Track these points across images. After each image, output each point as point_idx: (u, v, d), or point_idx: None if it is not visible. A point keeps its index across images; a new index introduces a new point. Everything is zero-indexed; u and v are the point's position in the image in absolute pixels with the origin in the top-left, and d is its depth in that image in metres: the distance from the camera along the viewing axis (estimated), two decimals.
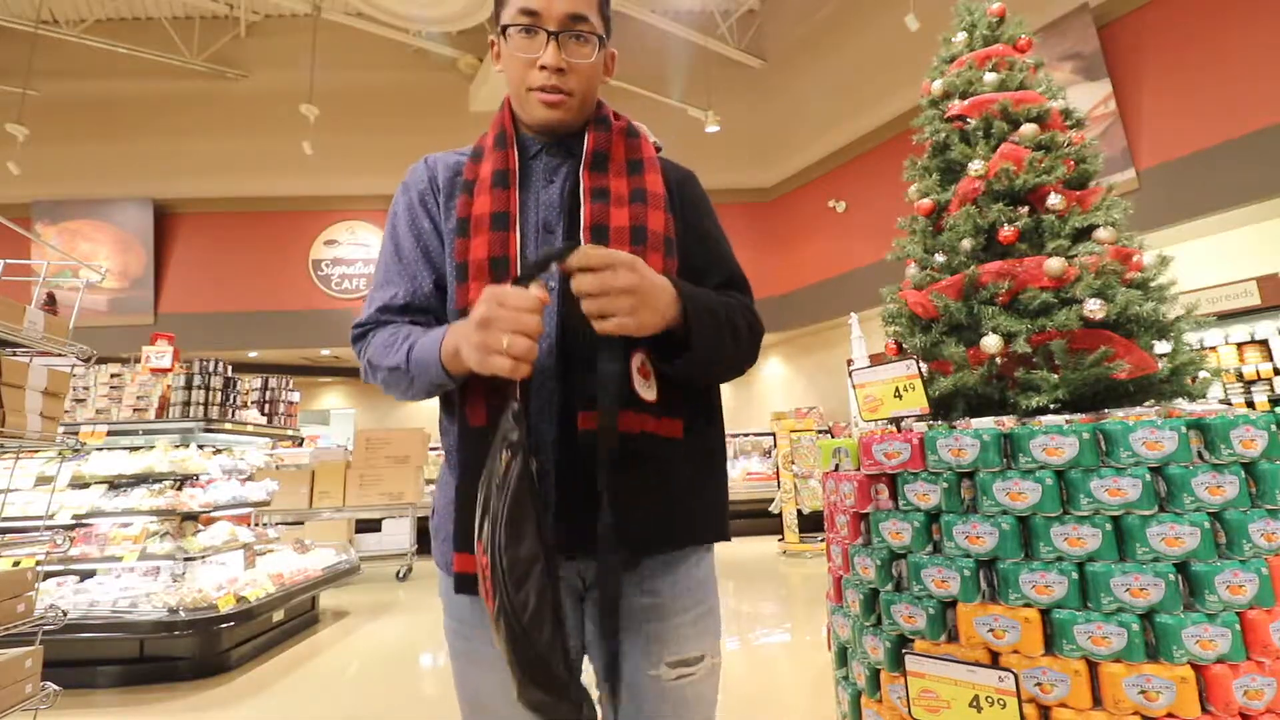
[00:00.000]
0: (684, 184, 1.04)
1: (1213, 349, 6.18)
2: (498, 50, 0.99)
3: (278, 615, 3.91)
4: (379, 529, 6.67)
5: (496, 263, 0.90)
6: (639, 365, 0.83)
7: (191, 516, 3.76)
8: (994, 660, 1.49)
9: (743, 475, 8.33)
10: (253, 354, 10.41)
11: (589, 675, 1.00)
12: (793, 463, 6.88)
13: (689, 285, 0.87)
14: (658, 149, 1.06)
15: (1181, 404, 1.79)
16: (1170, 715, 1.33)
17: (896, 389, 1.78)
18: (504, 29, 0.94)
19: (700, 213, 1.04)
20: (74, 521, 3.49)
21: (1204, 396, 1.85)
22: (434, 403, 0.99)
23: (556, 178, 0.97)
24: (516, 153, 0.97)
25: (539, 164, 0.98)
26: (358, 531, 6.71)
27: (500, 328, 0.73)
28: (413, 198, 1.01)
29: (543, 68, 0.91)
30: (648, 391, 0.83)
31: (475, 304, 0.78)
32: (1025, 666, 1.43)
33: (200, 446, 4.08)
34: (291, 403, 5.45)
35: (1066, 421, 1.58)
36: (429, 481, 7.18)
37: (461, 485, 0.88)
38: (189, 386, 4.12)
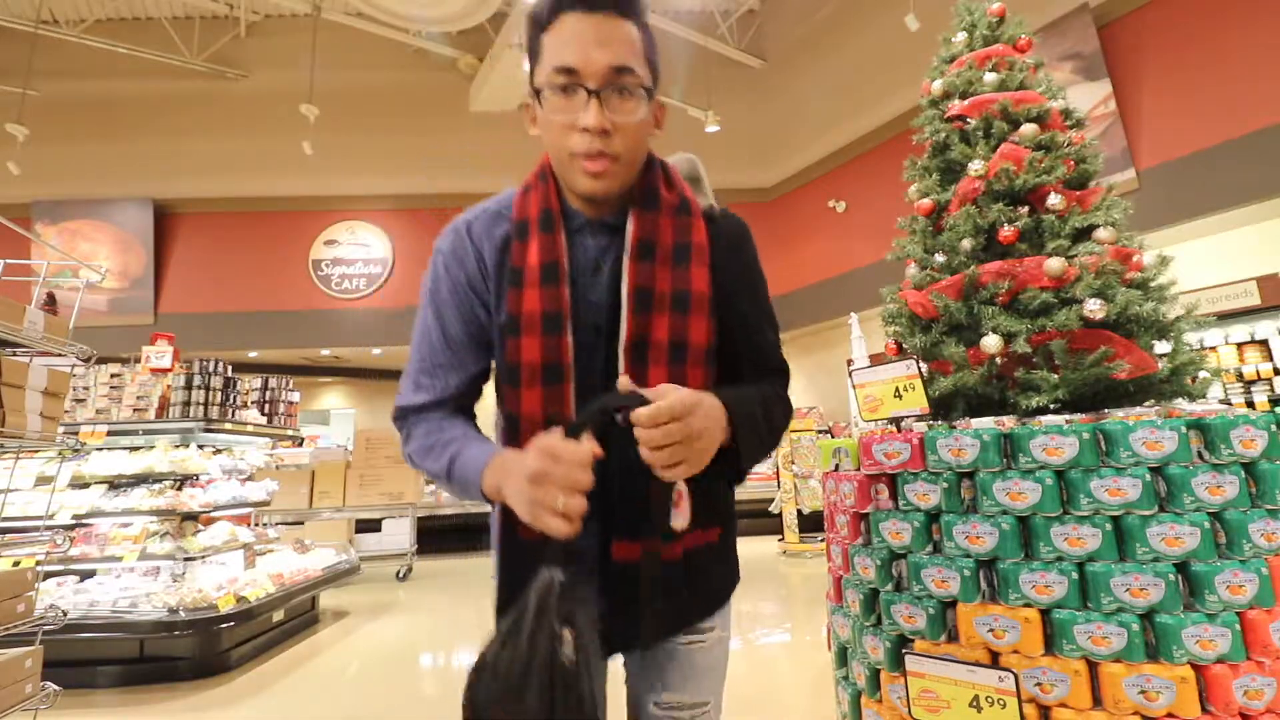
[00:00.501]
0: (733, 255, 0.97)
1: (1213, 349, 6.18)
2: (533, 115, 0.90)
3: (278, 615, 3.91)
4: (379, 529, 6.67)
5: (550, 370, 0.88)
6: (675, 497, 0.84)
7: (191, 516, 3.76)
8: (994, 660, 1.49)
9: None
10: (253, 354, 10.40)
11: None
12: (793, 463, 6.88)
13: (735, 399, 0.84)
14: (710, 214, 0.98)
15: (1181, 404, 1.79)
16: (1170, 715, 1.33)
17: (896, 389, 1.78)
18: (538, 91, 0.86)
19: (746, 291, 0.98)
20: (74, 521, 3.48)
21: (1204, 396, 1.85)
22: None
23: (605, 263, 0.92)
24: (564, 236, 0.92)
25: (584, 241, 0.93)
26: (358, 531, 6.70)
27: (555, 485, 0.71)
28: (460, 281, 0.95)
29: (584, 130, 0.82)
30: (678, 520, 0.84)
31: (526, 450, 0.75)
32: (1025, 666, 1.43)
33: (200, 446, 4.08)
34: (291, 403, 5.45)
35: (1066, 421, 1.58)
36: (429, 481, 7.18)
37: (501, 595, 0.91)
38: (189, 386, 4.12)
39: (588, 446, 0.73)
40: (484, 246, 0.95)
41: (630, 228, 0.91)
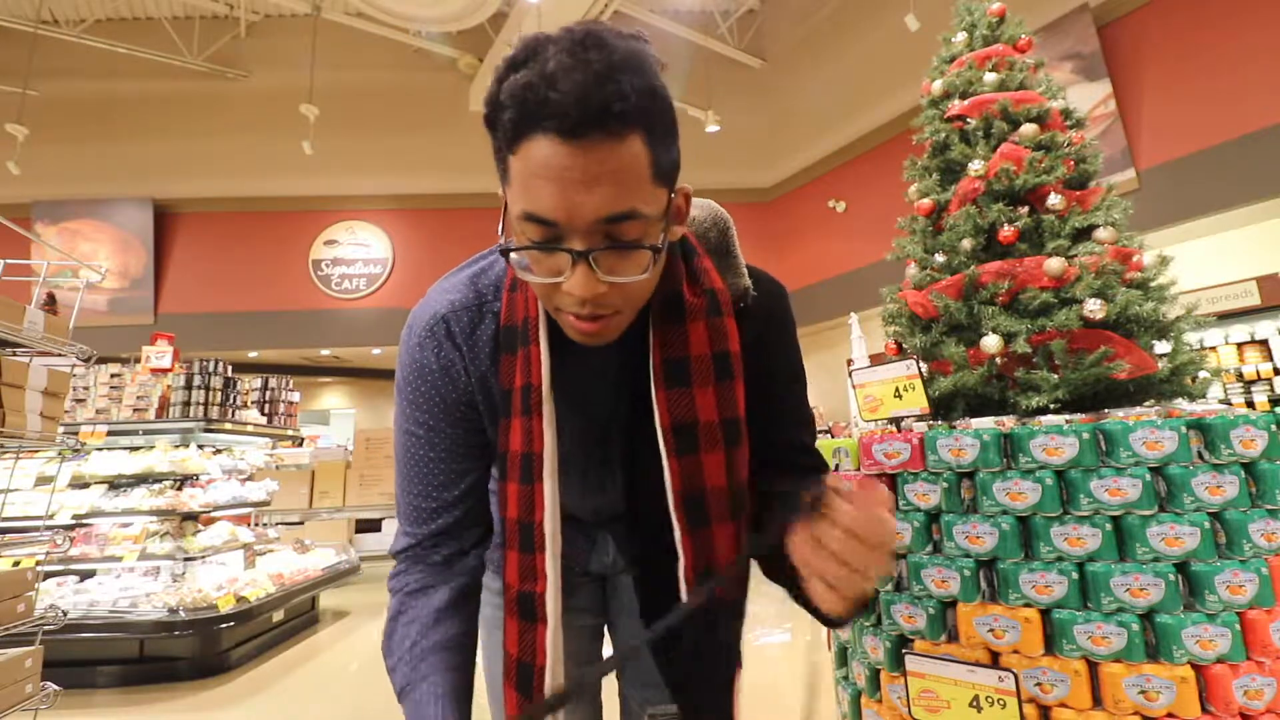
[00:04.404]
0: (769, 356, 0.82)
1: (1213, 349, 6.18)
2: (506, 199, 0.67)
3: (278, 615, 3.91)
4: (379, 529, 6.67)
5: (524, 529, 0.73)
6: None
7: (191, 516, 3.76)
8: (994, 660, 1.49)
9: None
10: (253, 354, 10.40)
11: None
12: None
13: None
14: (741, 299, 0.80)
15: (1181, 404, 1.79)
16: (1170, 715, 1.33)
17: (896, 389, 1.78)
18: (505, 223, 0.65)
19: (778, 374, 0.84)
20: (74, 521, 3.49)
21: (1204, 396, 1.85)
22: None
23: (615, 382, 0.76)
24: (544, 350, 0.72)
25: (580, 350, 0.73)
26: (358, 531, 6.70)
27: None
28: (451, 400, 0.77)
29: (569, 293, 0.63)
30: None
31: None
32: (1025, 666, 1.43)
33: (200, 446, 4.08)
34: (291, 403, 5.46)
35: (1066, 421, 1.58)
36: None
37: None
38: (189, 386, 4.12)
39: None
40: (468, 357, 0.77)
41: (651, 344, 0.73)
